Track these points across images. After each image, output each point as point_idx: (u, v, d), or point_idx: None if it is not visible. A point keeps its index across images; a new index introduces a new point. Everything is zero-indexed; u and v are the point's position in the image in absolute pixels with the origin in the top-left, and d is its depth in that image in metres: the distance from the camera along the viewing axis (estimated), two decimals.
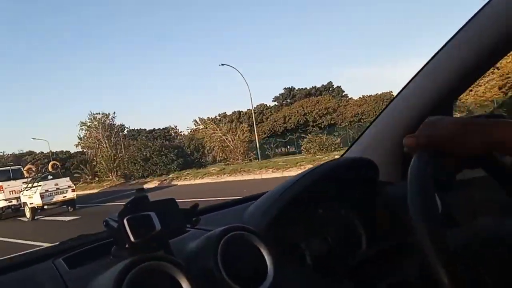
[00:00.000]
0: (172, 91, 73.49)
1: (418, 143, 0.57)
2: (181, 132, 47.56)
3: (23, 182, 16.01)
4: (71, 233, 1.15)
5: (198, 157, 27.34)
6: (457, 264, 0.55)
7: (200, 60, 70.61)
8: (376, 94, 36.60)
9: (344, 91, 45.84)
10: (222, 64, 24.63)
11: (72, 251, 0.88)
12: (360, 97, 37.36)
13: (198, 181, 19.09)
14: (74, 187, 15.23)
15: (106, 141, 34.06)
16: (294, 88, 46.51)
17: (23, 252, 1.06)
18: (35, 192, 14.22)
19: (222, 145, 24.79)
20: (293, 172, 14.25)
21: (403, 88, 1.05)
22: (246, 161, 23.24)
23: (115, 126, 36.27)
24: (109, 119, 35.63)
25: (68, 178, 15.55)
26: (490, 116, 0.78)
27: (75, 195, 15.12)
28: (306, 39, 70.38)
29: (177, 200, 0.79)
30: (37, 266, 0.82)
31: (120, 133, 36.17)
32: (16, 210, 16.24)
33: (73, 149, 42.58)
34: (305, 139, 22.60)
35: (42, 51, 68.17)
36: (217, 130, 25.49)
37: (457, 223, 0.91)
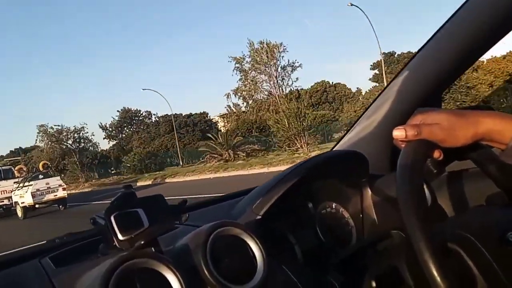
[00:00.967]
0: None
1: (408, 135, 0.57)
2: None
3: (14, 182, 15.95)
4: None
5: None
6: (446, 255, 0.55)
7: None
8: None
9: None
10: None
11: (59, 250, 0.87)
12: None
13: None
14: (65, 186, 15.25)
15: None
16: None
17: (8, 252, 1.04)
18: (26, 192, 14.20)
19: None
20: None
21: (391, 81, 1.05)
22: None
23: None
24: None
25: (58, 177, 15.55)
26: (477, 107, 0.78)
27: (66, 194, 15.09)
28: None
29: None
30: (23, 265, 0.80)
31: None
32: (7, 210, 16.18)
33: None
34: None
35: None
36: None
37: (446, 215, 0.91)
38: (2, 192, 16.16)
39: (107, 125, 39.73)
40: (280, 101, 26.11)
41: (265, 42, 28.17)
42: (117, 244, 0.66)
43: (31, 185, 14.18)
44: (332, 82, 44.78)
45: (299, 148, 20.05)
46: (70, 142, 32.78)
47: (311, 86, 42.39)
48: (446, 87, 1.02)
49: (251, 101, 30.46)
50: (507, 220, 0.58)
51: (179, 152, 30.28)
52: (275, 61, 27.86)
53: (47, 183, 14.52)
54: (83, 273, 0.68)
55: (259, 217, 0.86)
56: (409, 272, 0.62)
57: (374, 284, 0.69)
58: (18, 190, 14.78)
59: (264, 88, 29.14)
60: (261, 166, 17.96)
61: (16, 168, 17.52)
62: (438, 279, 0.45)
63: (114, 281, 0.58)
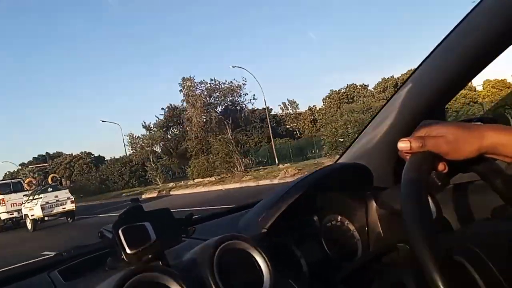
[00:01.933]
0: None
1: (412, 147, 0.57)
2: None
3: (23, 195, 16.12)
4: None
5: None
6: (451, 268, 0.55)
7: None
8: None
9: None
10: None
11: (67, 263, 0.88)
12: None
13: None
14: (73, 199, 15.36)
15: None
16: None
17: (18, 265, 1.05)
18: (36, 204, 14.34)
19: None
20: None
21: (395, 93, 1.05)
22: None
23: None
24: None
25: (67, 190, 15.67)
26: (482, 119, 0.78)
27: (74, 207, 15.20)
28: None
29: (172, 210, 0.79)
30: (33, 279, 0.81)
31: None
32: (17, 222, 16.33)
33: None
34: None
35: None
36: None
37: (451, 228, 0.91)
38: (12, 205, 16.32)
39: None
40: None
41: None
42: (125, 258, 0.67)
43: (41, 198, 14.32)
44: None
45: None
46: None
47: None
48: (449, 99, 1.02)
49: None
50: None
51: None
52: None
53: (56, 196, 14.66)
54: (92, 286, 0.69)
55: (264, 230, 0.86)
56: (415, 286, 0.62)
57: None
58: (28, 202, 14.93)
59: None
60: None
61: (26, 181, 17.71)
62: None
63: None
